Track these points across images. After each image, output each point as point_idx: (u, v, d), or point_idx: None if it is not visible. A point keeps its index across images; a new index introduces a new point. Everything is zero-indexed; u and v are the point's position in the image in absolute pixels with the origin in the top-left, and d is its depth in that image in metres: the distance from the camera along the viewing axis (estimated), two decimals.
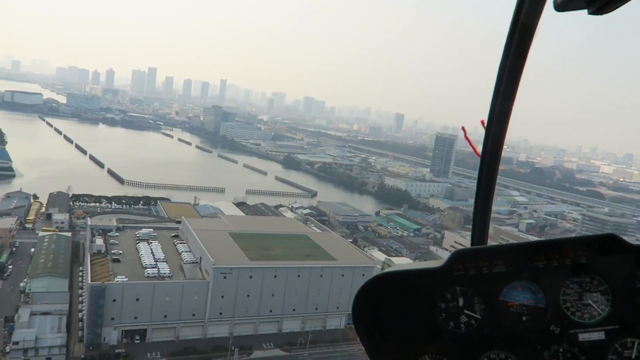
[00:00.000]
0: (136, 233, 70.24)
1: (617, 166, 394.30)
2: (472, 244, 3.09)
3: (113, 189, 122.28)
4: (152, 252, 63.92)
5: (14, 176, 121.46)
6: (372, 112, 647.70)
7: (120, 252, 63.44)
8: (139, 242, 67.20)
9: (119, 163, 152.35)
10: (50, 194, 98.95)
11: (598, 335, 2.62)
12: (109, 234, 69.32)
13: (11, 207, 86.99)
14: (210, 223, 75.38)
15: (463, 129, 3.19)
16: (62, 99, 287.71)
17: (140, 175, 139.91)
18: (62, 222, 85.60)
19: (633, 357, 2.59)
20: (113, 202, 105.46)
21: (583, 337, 2.62)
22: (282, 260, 63.04)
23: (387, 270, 2.73)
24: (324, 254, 67.54)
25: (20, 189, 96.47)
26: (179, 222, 79.89)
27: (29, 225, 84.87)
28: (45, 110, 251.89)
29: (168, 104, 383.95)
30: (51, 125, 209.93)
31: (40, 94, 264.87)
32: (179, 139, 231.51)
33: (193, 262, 62.35)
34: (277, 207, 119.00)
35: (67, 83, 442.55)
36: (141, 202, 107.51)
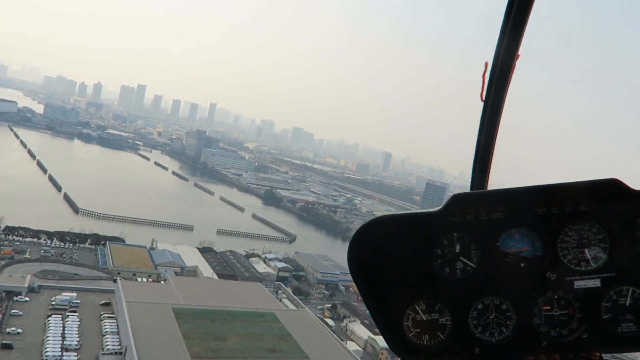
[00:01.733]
0: (52, 299, 53.17)
1: None
2: (471, 189, 3.03)
3: (62, 219, 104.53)
4: (62, 334, 46.81)
5: None
6: (360, 148, 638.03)
7: (19, 330, 46.32)
8: (51, 315, 50.08)
9: (79, 186, 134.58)
10: None
11: (594, 283, 2.59)
12: (16, 298, 52.22)
13: None
14: (152, 290, 58.58)
15: (485, 64, 2.92)
16: (42, 109, 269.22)
17: (100, 203, 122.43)
18: None
19: (627, 304, 2.57)
20: (54, 239, 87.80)
21: (579, 284, 2.60)
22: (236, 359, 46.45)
23: (384, 214, 2.68)
24: (294, 347, 51.03)
25: None
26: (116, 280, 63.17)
27: None
28: (18, 119, 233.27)
29: (153, 123, 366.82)
30: (18, 137, 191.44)
31: (14, 102, 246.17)
32: (156, 163, 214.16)
33: (115, 354, 45.37)
34: (248, 256, 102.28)
35: (52, 93, 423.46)
36: (88, 241, 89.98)
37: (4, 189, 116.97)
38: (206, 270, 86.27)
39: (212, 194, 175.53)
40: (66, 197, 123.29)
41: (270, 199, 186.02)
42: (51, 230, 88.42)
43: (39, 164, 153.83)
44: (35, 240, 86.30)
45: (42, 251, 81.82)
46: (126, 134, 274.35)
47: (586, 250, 2.60)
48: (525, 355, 2.63)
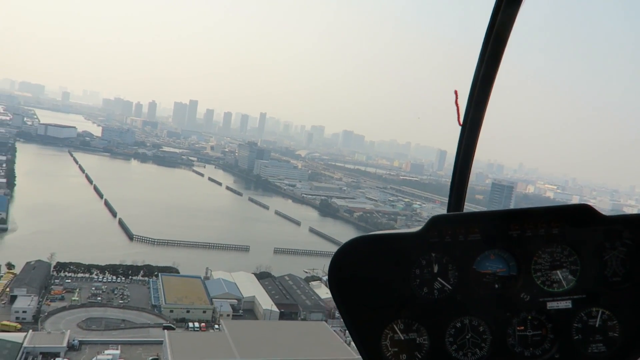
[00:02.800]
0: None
1: None
2: (448, 211, 3.09)
3: (116, 248, 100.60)
4: None
5: (5, 230, 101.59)
6: (413, 147, 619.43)
7: None
8: None
9: (134, 210, 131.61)
10: (27, 263, 77.41)
11: (565, 304, 2.66)
12: None
13: None
14: (203, 342, 50.91)
15: (455, 93, 3.01)
16: (100, 132, 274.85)
17: (154, 227, 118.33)
18: (24, 312, 63.35)
19: (597, 325, 2.65)
20: (107, 272, 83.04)
21: (551, 305, 2.66)
22: None
23: (364, 234, 2.70)
24: None
25: None
26: (168, 327, 56.31)
27: None
28: (78, 144, 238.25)
29: (206, 137, 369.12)
30: (77, 162, 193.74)
31: (74, 127, 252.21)
32: (210, 178, 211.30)
33: None
34: (308, 279, 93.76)
35: (110, 114, 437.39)
36: (141, 273, 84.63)
37: (62, 218, 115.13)
38: (264, 300, 78.52)
39: (266, 207, 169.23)
40: (121, 223, 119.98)
41: (326, 209, 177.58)
42: (103, 263, 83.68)
43: (96, 189, 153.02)
44: (87, 275, 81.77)
45: (93, 288, 76.89)
46: (180, 151, 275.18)
47: (558, 272, 2.67)
48: None
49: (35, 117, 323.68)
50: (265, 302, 77.53)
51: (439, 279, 2.65)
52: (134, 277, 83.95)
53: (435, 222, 2.63)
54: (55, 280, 77.11)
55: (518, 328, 2.66)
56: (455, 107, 2.96)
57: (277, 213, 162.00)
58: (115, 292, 77.02)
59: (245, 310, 77.95)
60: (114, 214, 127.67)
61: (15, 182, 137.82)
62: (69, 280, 77.77)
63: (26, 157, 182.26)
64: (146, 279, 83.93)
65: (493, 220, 2.66)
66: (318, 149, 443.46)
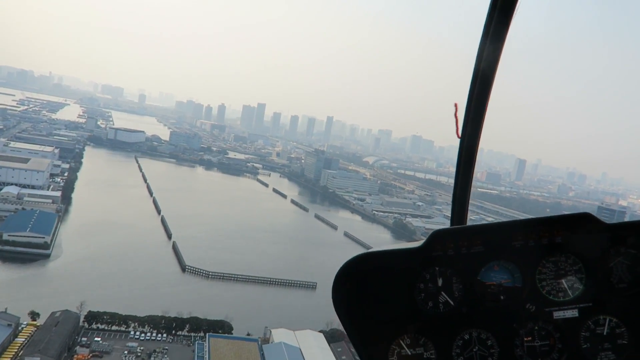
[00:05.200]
0: None
1: None
2: (451, 224, 3.05)
3: (165, 284, 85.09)
4: None
5: (47, 257, 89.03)
6: (485, 154, 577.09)
7: None
8: None
9: (191, 230, 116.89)
10: (51, 315, 62.56)
11: (572, 313, 2.60)
12: None
13: None
14: None
15: (455, 105, 2.97)
16: (168, 135, 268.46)
17: (210, 254, 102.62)
18: None
19: (605, 333, 2.58)
20: (146, 325, 66.97)
21: (558, 314, 2.61)
22: None
23: (367, 250, 2.67)
24: None
25: (6, 309, 60.91)
26: None
27: None
28: (145, 149, 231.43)
29: (272, 142, 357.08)
30: (141, 170, 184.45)
31: (142, 131, 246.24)
32: (274, 190, 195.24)
33: None
34: None
35: (181, 117, 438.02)
36: (187, 328, 67.87)
37: (112, 240, 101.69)
38: None
39: (335, 228, 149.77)
40: (175, 248, 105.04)
41: (401, 230, 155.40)
42: (142, 314, 67.67)
43: (155, 203, 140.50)
44: (123, 328, 65.98)
45: (127, 350, 60.80)
46: (246, 157, 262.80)
47: (563, 281, 2.61)
48: None
49: (111, 119, 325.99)
50: None
51: (443, 292, 2.60)
52: (179, 332, 67.37)
53: (436, 236, 2.61)
54: (83, 339, 61.60)
55: (525, 339, 2.60)
56: (454, 120, 2.90)
57: (347, 235, 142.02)
58: (154, 357, 60.52)
59: None
60: (169, 236, 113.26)
61: (72, 196, 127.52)
62: (99, 339, 62.02)
63: (91, 165, 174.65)
64: (193, 335, 67.09)
65: (495, 231, 2.63)
66: (385, 155, 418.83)
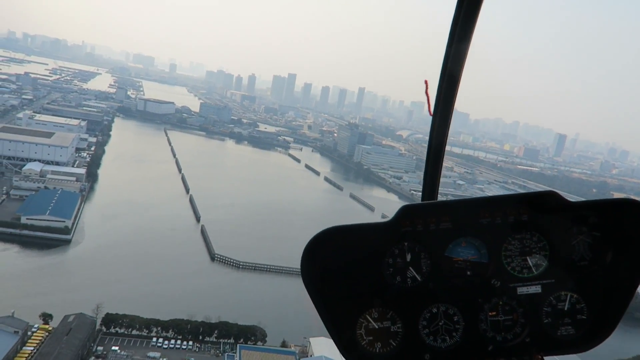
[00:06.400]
0: None
1: None
2: (422, 200, 3.09)
3: (192, 275, 76.84)
4: None
5: (68, 242, 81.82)
6: (521, 127, 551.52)
7: None
8: None
9: (221, 213, 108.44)
10: (64, 318, 54.76)
11: (535, 289, 2.67)
12: None
13: None
14: None
15: (425, 82, 2.96)
16: (198, 107, 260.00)
17: (240, 240, 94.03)
18: None
19: (565, 309, 2.69)
20: (171, 331, 58.79)
21: (521, 290, 2.67)
22: None
23: (336, 225, 2.63)
24: None
25: (13, 313, 53.28)
26: None
27: None
28: (175, 120, 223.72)
29: (303, 113, 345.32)
30: (170, 144, 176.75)
31: (172, 103, 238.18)
32: (306, 166, 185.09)
33: None
34: None
35: (211, 87, 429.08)
36: (215, 334, 59.37)
37: (137, 223, 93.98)
38: None
39: (372, 209, 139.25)
40: (203, 233, 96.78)
41: None
42: (166, 316, 59.37)
43: (183, 180, 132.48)
44: (144, 333, 57.96)
45: None
46: (276, 129, 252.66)
47: (528, 258, 2.67)
48: None
49: (141, 89, 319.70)
50: None
51: (411, 268, 2.62)
52: (206, 338, 59.00)
53: (406, 212, 2.60)
54: (99, 348, 53.74)
55: (490, 313, 2.67)
56: (425, 97, 2.90)
57: (385, 218, 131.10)
58: None
59: None
60: (197, 218, 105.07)
61: (99, 172, 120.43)
62: (116, 348, 54.08)
63: (120, 138, 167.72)
64: (222, 341, 58.64)
65: (464, 208, 2.64)
66: (418, 128, 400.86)
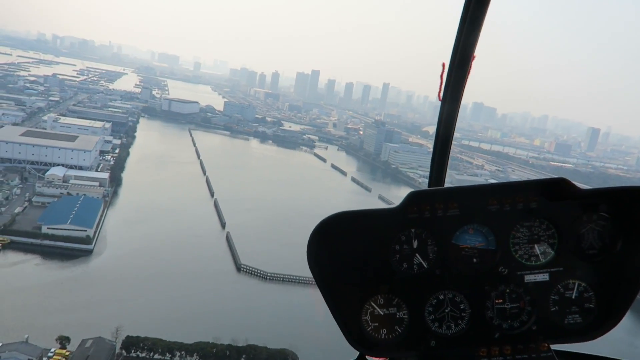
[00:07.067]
0: None
1: None
2: (429, 186, 3.10)
3: (216, 290, 72.21)
4: None
5: (90, 253, 78.12)
6: (550, 121, 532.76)
7: None
8: None
9: (246, 217, 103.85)
10: (81, 343, 50.47)
11: (543, 277, 2.65)
12: None
13: None
14: None
15: (443, 65, 2.88)
16: (222, 105, 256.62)
17: (267, 247, 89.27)
18: None
19: (573, 297, 2.67)
20: (195, 355, 53.95)
21: (529, 278, 2.65)
22: None
23: (343, 210, 2.63)
24: None
25: (27, 338, 49.21)
26: None
27: None
28: (199, 120, 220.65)
29: (327, 110, 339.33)
30: (194, 144, 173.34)
31: (196, 102, 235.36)
32: (332, 166, 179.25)
33: None
34: None
35: (235, 85, 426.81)
36: (242, 358, 54.32)
37: (161, 229, 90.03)
38: None
39: None
40: (228, 240, 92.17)
41: None
42: (190, 340, 54.53)
43: (208, 182, 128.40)
44: (167, 357, 53.27)
45: None
46: (301, 128, 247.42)
47: (536, 246, 2.65)
48: (478, 347, 2.63)
49: (166, 88, 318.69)
50: None
51: (417, 254, 2.60)
52: None
53: (413, 198, 2.60)
54: None
55: (496, 301, 2.64)
56: (439, 81, 2.81)
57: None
58: None
59: None
60: (223, 224, 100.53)
61: (123, 175, 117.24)
62: None
63: (144, 139, 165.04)
64: None
65: (471, 195, 2.61)
66: None
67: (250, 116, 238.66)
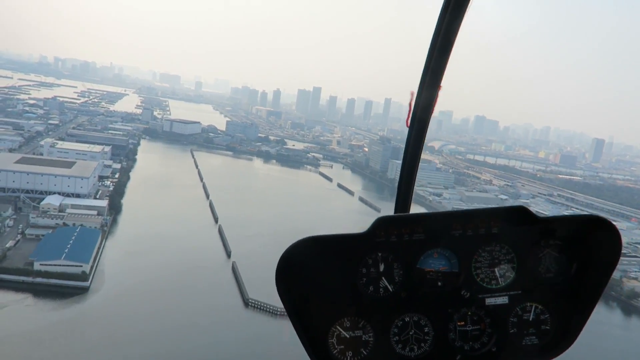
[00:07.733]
0: None
1: None
2: (395, 212, 3.17)
3: (226, 327, 66.02)
4: None
5: (86, 289, 72.06)
6: (552, 133, 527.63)
7: None
8: None
9: (252, 245, 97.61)
10: None
11: (502, 300, 2.77)
12: None
13: None
14: None
15: (411, 94, 3.01)
16: (224, 124, 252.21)
17: (274, 276, 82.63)
18: None
19: (530, 319, 2.79)
20: None
21: (489, 301, 2.77)
22: None
23: (312, 235, 2.67)
24: None
25: None
26: None
27: None
28: (201, 140, 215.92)
29: (329, 127, 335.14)
30: (197, 166, 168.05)
31: (198, 122, 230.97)
32: (339, 185, 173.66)
33: None
34: None
35: (237, 104, 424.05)
36: None
37: (162, 261, 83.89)
38: None
39: None
40: (234, 271, 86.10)
41: None
42: None
43: (211, 207, 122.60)
44: None
45: None
46: (304, 146, 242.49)
47: (496, 270, 2.77)
48: None
49: (168, 108, 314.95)
50: None
51: (383, 278, 2.68)
52: None
53: (381, 223, 2.66)
54: None
55: (459, 323, 2.73)
56: (408, 109, 2.93)
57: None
58: None
59: None
60: (228, 253, 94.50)
61: (123, 201, 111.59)
62: None
63: (145, 162, 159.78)
64: None
65: (437, 220, 2.72)
66: (448, 137, 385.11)
67: (253, 135, 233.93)
